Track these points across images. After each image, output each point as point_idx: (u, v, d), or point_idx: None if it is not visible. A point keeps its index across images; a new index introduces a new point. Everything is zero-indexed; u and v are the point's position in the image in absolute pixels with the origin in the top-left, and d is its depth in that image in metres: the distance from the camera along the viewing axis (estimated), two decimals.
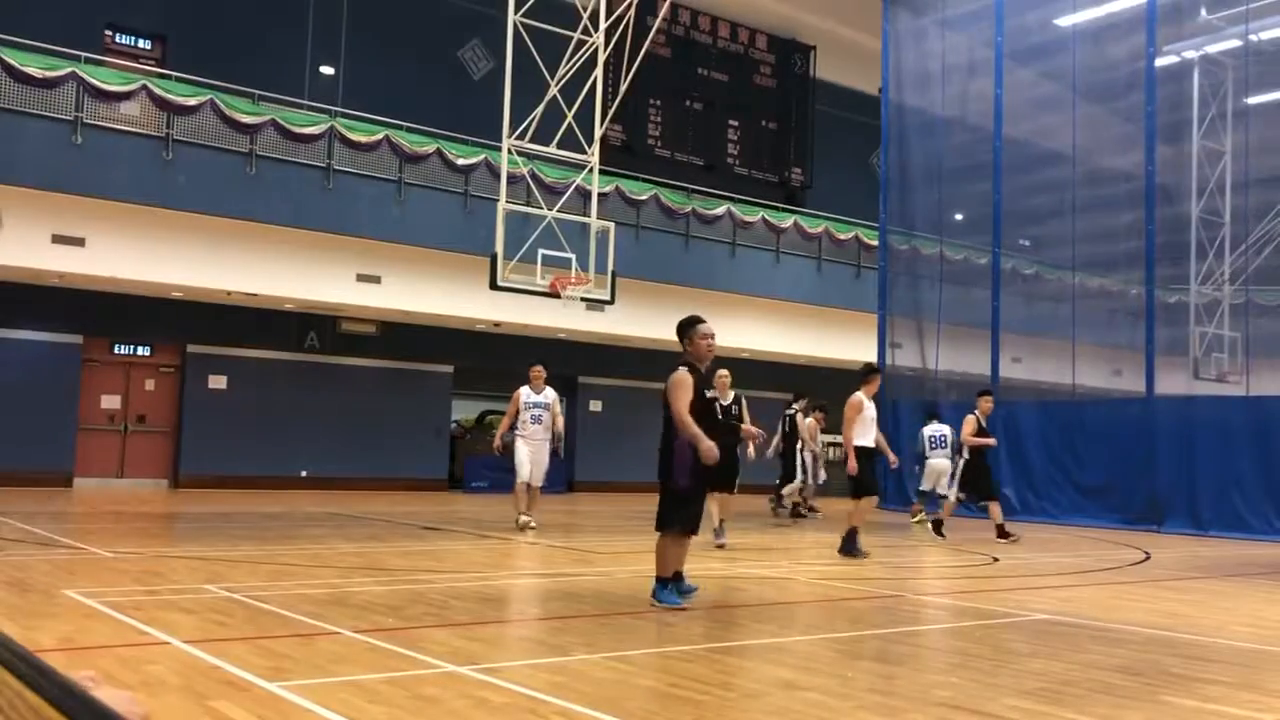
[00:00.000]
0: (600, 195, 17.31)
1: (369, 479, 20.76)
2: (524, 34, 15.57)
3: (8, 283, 17.53)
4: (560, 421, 13.16)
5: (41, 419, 18.10)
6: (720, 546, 10.96)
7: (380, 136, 18.37)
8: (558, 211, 16.21)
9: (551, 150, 16.33)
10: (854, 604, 8.03)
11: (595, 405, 24.15)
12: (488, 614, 6.71)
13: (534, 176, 17.61)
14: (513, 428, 12.97)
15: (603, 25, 16.48)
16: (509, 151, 15.82)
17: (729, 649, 5.74)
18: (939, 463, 17.26)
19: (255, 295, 18.38)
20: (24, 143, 15.64)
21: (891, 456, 12.74)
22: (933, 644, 6.39)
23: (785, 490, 17.47)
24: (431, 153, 18.91)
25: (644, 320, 20.40)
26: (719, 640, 6.00)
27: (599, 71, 16.49)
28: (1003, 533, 13.35)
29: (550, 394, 13.03)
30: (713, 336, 7.23)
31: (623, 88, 18.32)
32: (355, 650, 5.20)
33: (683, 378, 6.96)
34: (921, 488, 17.48)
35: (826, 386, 20.79)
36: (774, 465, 17.75)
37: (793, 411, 17.50)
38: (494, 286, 15.40)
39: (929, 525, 14.13)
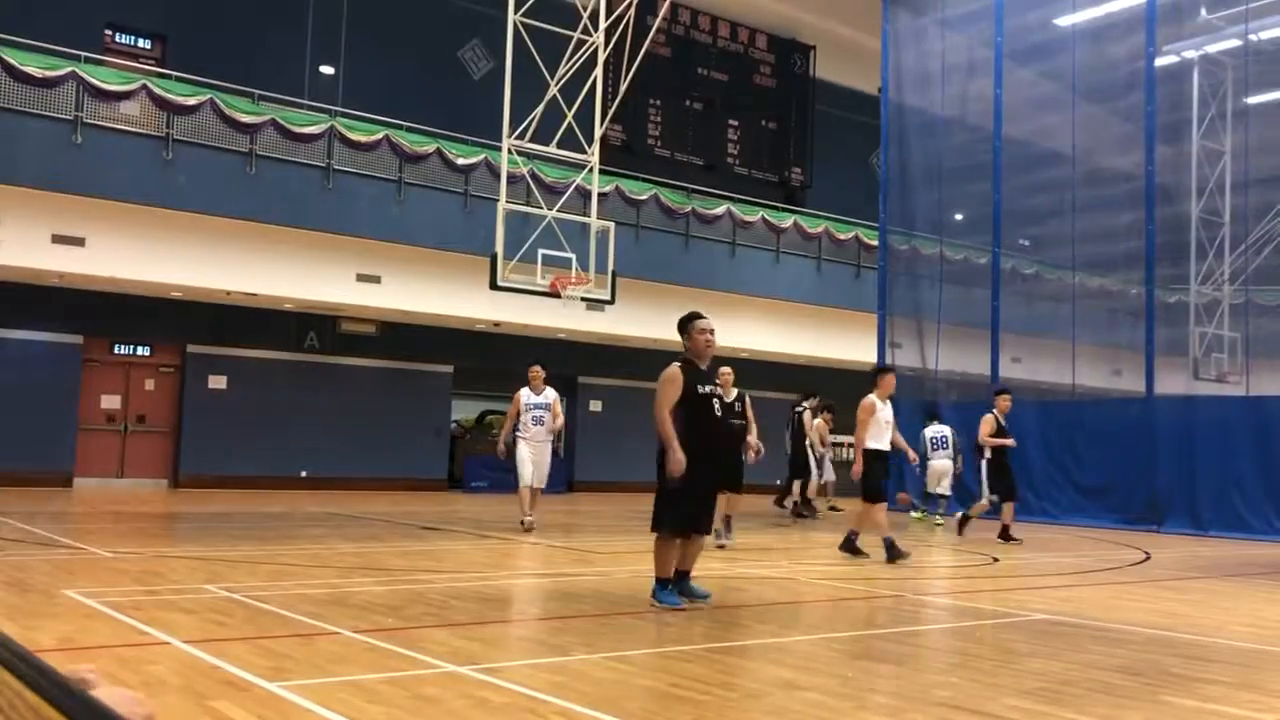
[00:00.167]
0: (600, 195, 17.31)
1: (369, 479, 20.76)
2: (524, 34, 15.57)
3: (8, 283, 17.53)
4: (560, 421, 13.14)
5: (41, 419, 18.10)
6: (720, 547, 10.94)
7: (380, 136, 18.37)
8: (558, 211, 16.21)
9: (551, 150, 16.33)
10: (854, 604, 8.03)
11: (595, 405, 24.15)
12: (488, 614, 6.71)
13: (534, 176, 17.61)
14: (514, 429, 12.96)
15: (603, 25, 16.48)
16: (509, 151, 15.82)
17: (729, 649, 5.74)
18: (940, 464, 17.29)
19: (255, 295, 18.38)
20: (24, 143, 15.64)
21: (911, 454, 12.42)
22: (933, 644, 6.38)
23: (809, 490, 17.56)
24: (431, 153, 18.91)
25: (644, 320, 20.39)
26: (719, 640, 6.00)
27: (599, 71, 16.49)
28: (1007, 535, 13.27)
29: (550, 394, 12.99)
30: (711, 331, 7.18)
31: (623, 87, 18.32)
32: (355, 650, 5.20)
33: (672, 375, 6.91)
34: (929, 490, 17.52)
35: (826, 387, 20.81)
36: (771, 463, 17.76)
37: (801, 409, 17.53)
38: (494, 286, 15.40)
39: (955, 520, 13.90)
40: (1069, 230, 19.57)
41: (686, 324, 7.21)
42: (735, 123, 25.61)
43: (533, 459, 12.72)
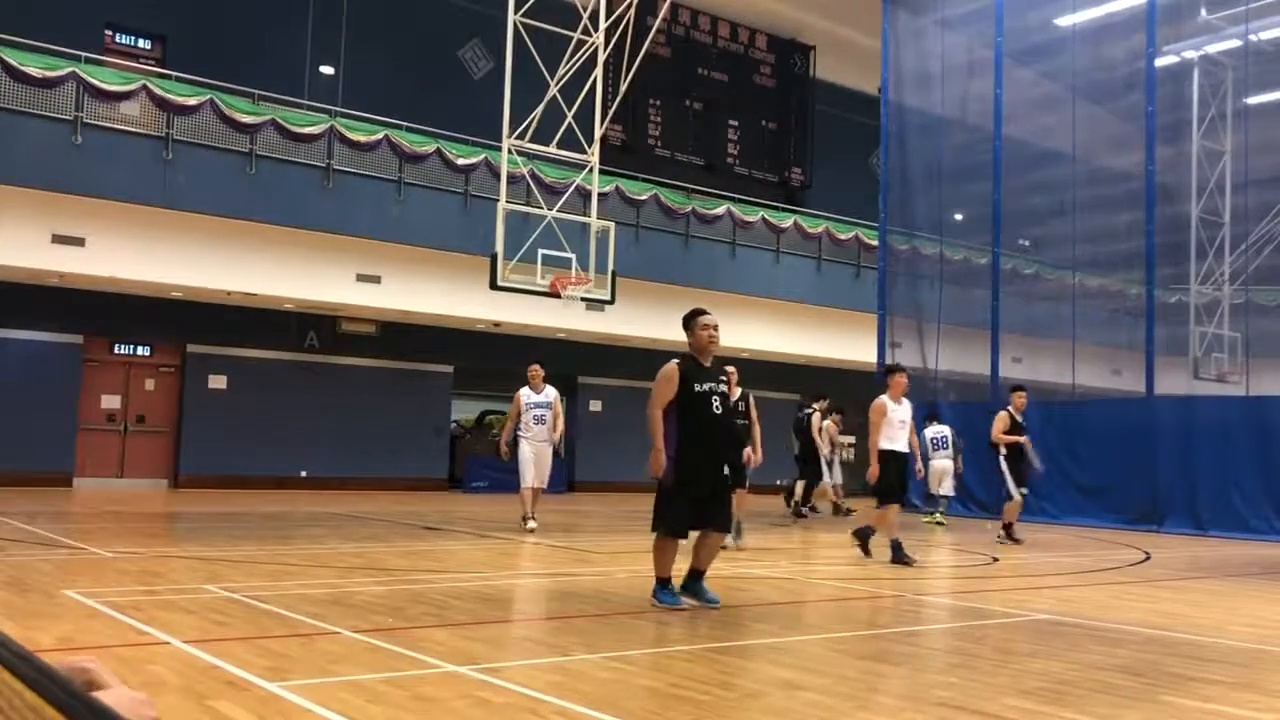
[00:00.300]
0: (600, 195, 17.31)
1: (369, 479, 20.76)
2: (524, 34, 15.57)
3: (8, 283, 17.53)
4: (561, 426, 13.10)
5: (41, 419, 18.10)
6: (722, 548, 10.88)
7: (380, 136, 18.37)
8: (558, 211, 16.20)
9: (551, 150, 16.33)
10: (854, 604, 8.04)
11: (595, 405, 24.15)
12: (488, 614, 6.70)
13: (534, 176, 17.60)
14: (515, 429, 12.94)
15: (603, 25, 16.47)
16: (509, 151, 15.82)
17: (729, 649, 5.74)
18: (941, 464, 17.31)
19: (255, 295, 18.38)
20: (24, 143, 15.64)
21: (919, 466, 12.35)
22: (933, 644, 6.38)
23: (819, 493, 17.63)
24: (431, 153, 18.91)
25: (644, 320, 20.40)
26: (719, 640, 6.00)
27: (599, 71, 16.49)
28: (1010, 533, 13.21)
29: (551, 392, 12.96)
30: (714, 327, 7.10)
31: (623, 88, 18.32)
32: (355, 650, 5.20)
33: (667, 373, 6.88)
34: (931, 491, 17.53)
35: (826, 387, 20.82)
36: (774, 464, 17.79)
37: (810, 411, 17.60)
38: (494, 286, 15.40)
39: (1000, 533, 13.68)
40: (1069, 230, 19.58)
41: (690, 320, 7.17)
42: (735, 123, 25.62)
43: (535, 459, 12.69)
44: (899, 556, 10.18)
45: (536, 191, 17.18)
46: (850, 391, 20.92)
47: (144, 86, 16.57)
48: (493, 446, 15.76)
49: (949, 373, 20.49)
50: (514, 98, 15.52)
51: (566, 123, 15.91)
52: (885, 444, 10.40)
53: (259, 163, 17.41)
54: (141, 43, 20.07)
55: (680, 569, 7.05)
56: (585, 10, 16.40)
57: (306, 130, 17.74)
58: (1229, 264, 20.97)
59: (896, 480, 10.46)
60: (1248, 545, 14.57)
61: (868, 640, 6.31)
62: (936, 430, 17.42)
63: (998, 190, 19.82)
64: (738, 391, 11.22)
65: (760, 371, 22.13)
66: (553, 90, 15.79)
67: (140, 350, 19.92)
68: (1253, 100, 20.38)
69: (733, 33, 25.73)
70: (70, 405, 18.69)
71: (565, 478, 22.61)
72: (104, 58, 17.81)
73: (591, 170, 16.70)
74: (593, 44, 16.43)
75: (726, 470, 6.98)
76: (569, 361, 22.52)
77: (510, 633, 6.33)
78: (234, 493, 18.37)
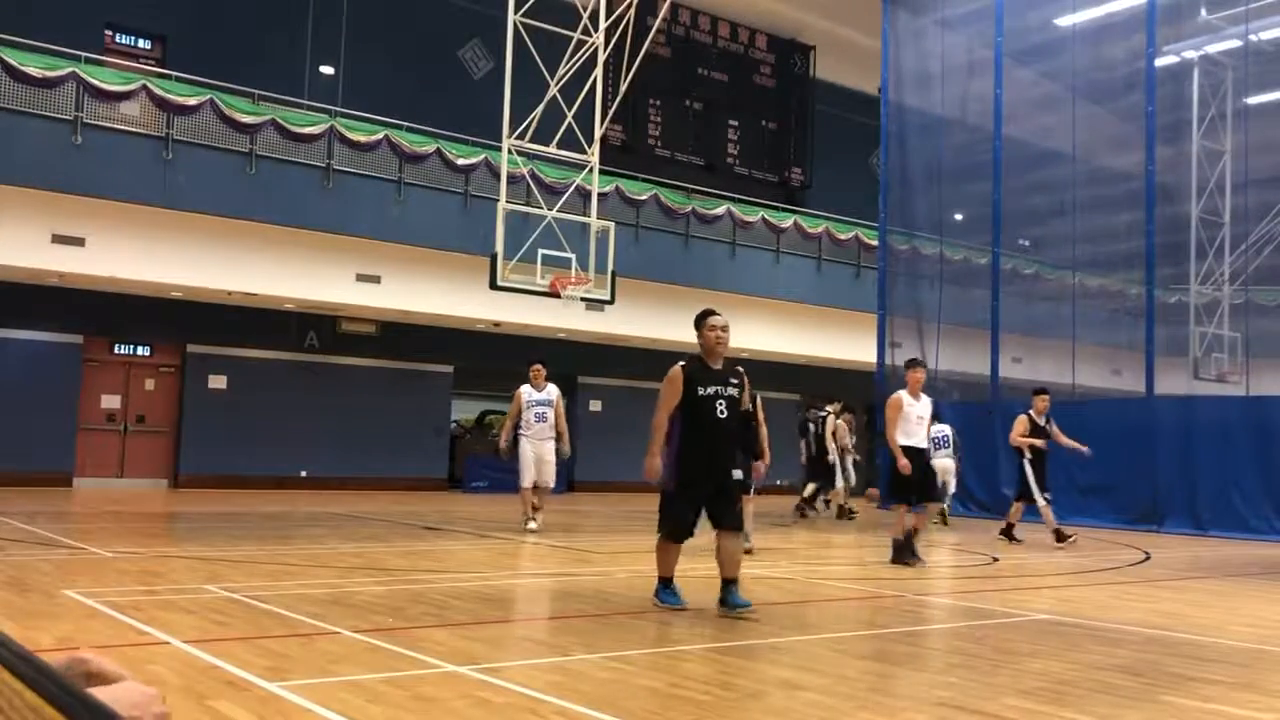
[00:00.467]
0: (600, 195, 17.31)
1: (369, 479, 20.76)
2: (524, 34, 15.57)
3: (8, 283, 17.53)
4: (563, 422, 13.02)
5: (41, 419, 18.10)
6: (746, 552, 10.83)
7: (380, 136, 18.37)
8: (558, 211, 16.20)
9: (551, 150, 16.33)
10: (854, 604, 8.04)
11: (595, 405, 24.15)
12: (488, 614, 6.70)
13: (534, 176, 17.60)
14: (515, 428, 12.88)
15: (603, 25, 16.47)
16: (509, 151, 15.82)
17: (729, 649, 5.74)
18: (942, 463, 17.30)
19: (255, 295, 18.38)
20: (24, 143, 15.64)
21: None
22: (933, 644, 6.39)
23: (835, 494, 17.69)
24: (431, 153, 18.91)
25: (644, 320, 20.39)
26: (719, 640, 6.00)
27: (599, 71, 16.49)
28: (1009, 532, 13.19)
29: (553, 390, 12.89)
30: (723, 329, 6.98)
31: (623, 88, 18.32)
32: (355, 650, 5.20)
33: (671, 375, 6.82)
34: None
35: (826, 387, 20.82)
36: (777, 465, 17.82)
37: (825, 414, 17.67)
38: (494, 286, 15.40)
39: (1052, 537, 13.55)
40: (1069, 230, 19.57)
41: (699, 320, 7.06)
42: (735, 123, 25.62)
43: (537, 459, 12.62)
44: (899, 556, 10.18)
45: (536, 191, 17.18)
46: (850, 392, 20.90)
47: (144, 86, 16.57)
48: (493, 446, 15.74)
49: (949, 373, 20.48)
50: (514, 98, 15.52)
51: (566, 123, 15.91)
52: (906, 440, 10.16)
53: (259, 163, 17.41)
54: (141, 43, 20.07)
55: (683, 570, 7.05)
56: (585, 10, 16.40)
57: (306, 130, 17.74)
58: (1229, 264, 20.97)
59: (912, 478, 10.16)
60: (1248, 545, 14.57)
61: (868, 640, 6.31)
62: (937, 429, 17.38)
63: (998, 190, 19.82)
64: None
65: (760, 372, 21.99)
66: (553, 90, 15.79)
67: (140, 350, 19.92)
68: (1253, 100, 20.38)
69: (733, 33, 25.73)
70: (70, 405, 18.69)
71: (565, 478, 22.60)
72: (104, 58, 17.81)
73: (591, 170, 16.70)
74: (593, 44, 16.43)
75: (738, 474, 6.84)
76: (569, 361, 22.51)
77: (510, 633, 6.33)
78: (234, 493, 18.37)
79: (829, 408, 17.81)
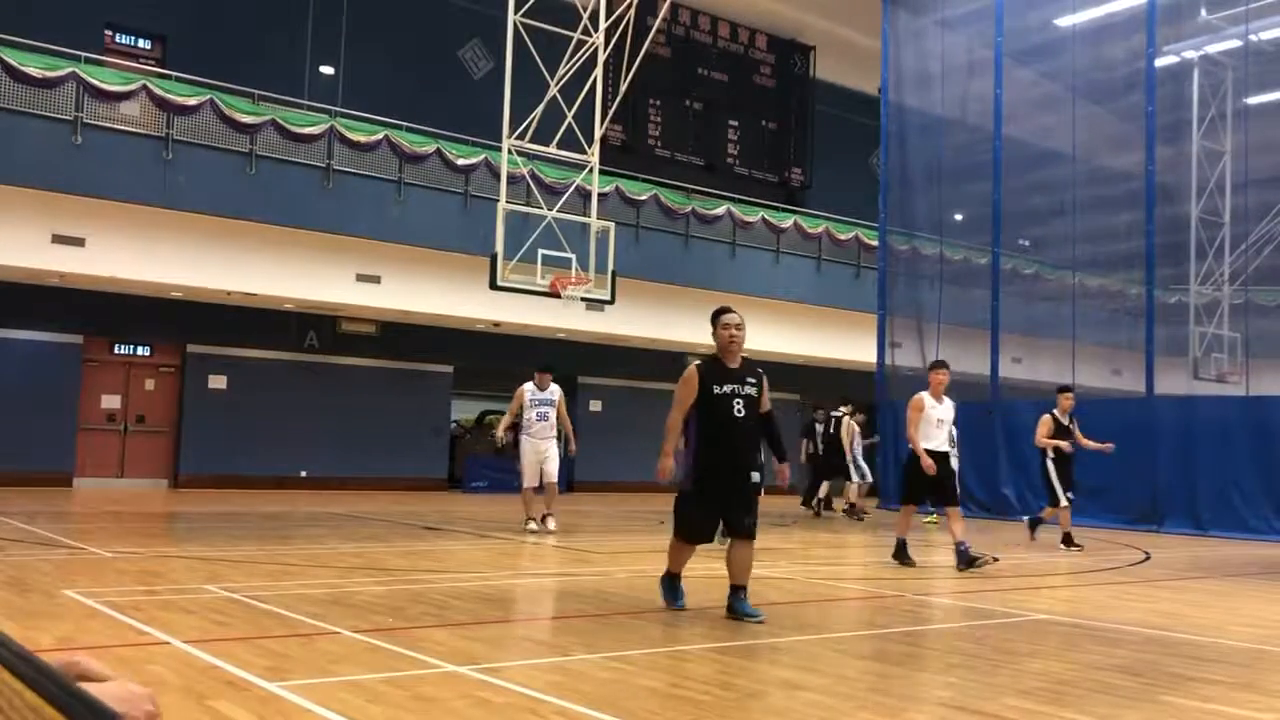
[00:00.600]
0: (600, 195, 17.31)
1: (369, 479, 20.77)
2: (524, 34, 15.57)
3: (8, 283, 17.53)
4: (567, 422, 13.01)
5: (41, 419, 18.11)
6: None
7: (380, 136, 18.37)
8: (558, 211, 16.21)
9: (551, 150, 16.33)
10: (854, 604, 8.04)
11: (595, 405, 24.15)
12: (488, 614, 6.71)
13: (534, 176, 17.60)
14: (515, 426, 12.86)
15: (603, 25, 16.48)
16: (509, 151, 15.82)
17: (729, 649, 5.74)
18: None
19: (255, 295, 18.38)
20: (24, 143, 15.64)
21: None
22: (933, 644, 6.39)
23: (851, 494, 17.89)
24: (431, 153, 18.91)
25: (644, 320, 20.38)
26: (719, 640, 6.00)
27: (599, 71, 16.49)
28: (1069, 540, 12.62)
29: (556, 390, 12.89)
30: (737, 327, 6.78)
31: (623, 88, 18.32)
32: (355, 650, 5.20)
33: (686, 374, 6.74)
34: None
35: (826, 387, 20.82)
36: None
37: (839, 415, 17.79)
38: (494, 286, 15.40)
39: (1060, 542, 13.43)
40: (1069, 230, 19.57)
41: (713, 319, 6.94)
42: (735, 123, 25.62)
43: (538, 459, 12.59)
44: (900, 556, 10.17)
45: (536, 191, 17.18)
46: (851, 392, 20.89)
47: (144, 86, 16.57)
48: (492, 446, 15.74)
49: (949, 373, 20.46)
50: (514, 98, 15.52)
51: (566, 123, 15.92)
52: (926, 443, 9.92)
53: (259, 163, 17.41)
54: (141, 43, 20.07)
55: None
56: (585, 10, 16.40)
57: (306, 130, 17.74)
58: (1229, 264, 20.95)
59: (926, 480, 9.93)
60: (1247, 545, 14.57)
61: (868, 640, 6.31)
62: None
63: (998, 190, 19.81)
64: None
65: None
66: (553, 90, 15.79)
67: (140, 350, 19.92)
68: (1253, 100, 20.37)
69: (733, 33, 25.73)
70: (70, 405, 18.69)
71: (565, 478, 22.60)
72: (104, 58, 17.81)
73: (591, 170, 16.71)
74: (593, 44, 16.43)
75: (756, 476, 6.65)
76: (569, 361, 22.50)
77: (510, 633, 6.34)
78: (234, 493, 18.37)
79: (843, 409, 17.93)
